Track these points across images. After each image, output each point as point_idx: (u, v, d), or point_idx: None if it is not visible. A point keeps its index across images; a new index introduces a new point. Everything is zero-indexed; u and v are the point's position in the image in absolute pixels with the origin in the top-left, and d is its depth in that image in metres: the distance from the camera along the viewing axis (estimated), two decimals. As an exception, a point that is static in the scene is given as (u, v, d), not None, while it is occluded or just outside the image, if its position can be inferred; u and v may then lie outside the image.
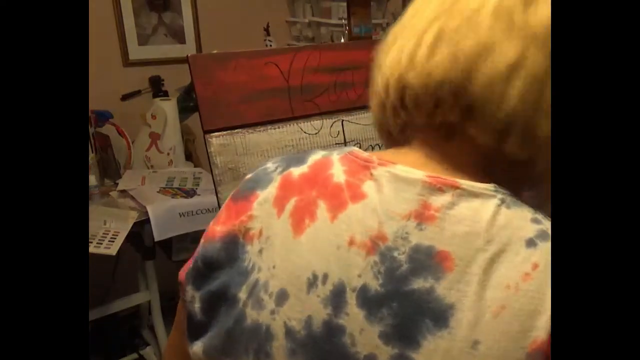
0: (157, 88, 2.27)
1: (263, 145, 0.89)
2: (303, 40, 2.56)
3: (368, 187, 0.44)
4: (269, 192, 0.48)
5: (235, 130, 0.88)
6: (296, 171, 0.48)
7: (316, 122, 0.96)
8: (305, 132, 0.92)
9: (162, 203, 1.71)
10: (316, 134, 0.96)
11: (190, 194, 1.82)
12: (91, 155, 1.82)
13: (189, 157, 2.20)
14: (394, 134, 0.51)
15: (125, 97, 2.27)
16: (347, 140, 1.02)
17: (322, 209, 0.45)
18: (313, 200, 0.46)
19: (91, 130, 1.90)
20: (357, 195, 0.44)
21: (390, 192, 0.43)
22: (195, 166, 2.15)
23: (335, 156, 0.48)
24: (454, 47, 0.42)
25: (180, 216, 1.71)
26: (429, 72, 0.43)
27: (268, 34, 2.54)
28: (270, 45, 2.49)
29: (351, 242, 0.43)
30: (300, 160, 0.50)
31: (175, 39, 2.37)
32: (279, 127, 0.91)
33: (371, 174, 0.45)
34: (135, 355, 2.10)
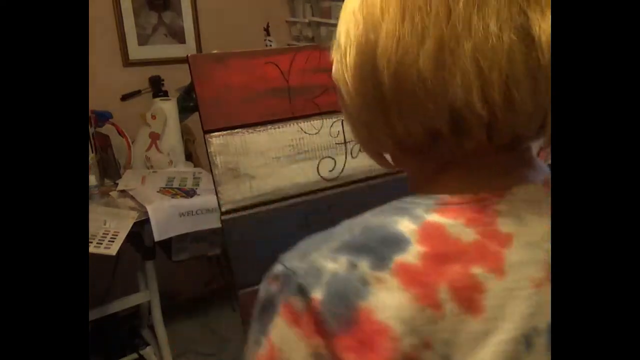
0: (157, 88, 2.27)
1: (263, 145, 0.89)
2: (303, 40, 2.56)
3: (504, 225, 0.41)
4: (393, 300, 0.38)
5: (235, 130, 0.88)
6: (409, 257, 0.39)
7: (316, 122, 0.96)
8: (305, 132, 0.93)
9: (162, 203, 1.71)
10: (316, 133, 0.96)
11: (190, 194, 1.82)
12: (91, 155, 1.82)
13: (189, 157, 2.20)
14: (414, 152, 0.45)
15: (125, 97, 2.27)
16: (347, 140, 1.02)
17: (483, 275, 0.39)
18: (465, 274, 0.39)
19: (91, 130, 1.90)
20: (504, 239, 0.40)
21: (532, 218, 0.41)
22: (195, 166, 2.15)
23: (434, 215, 0.41)
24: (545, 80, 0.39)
25: (180, 216, 1.71)
26: (532, 110, 0.39)
27: (268, 34, 2.54)
28: (270, 45, 2.49)
29: (536, 284, 0.40)
30: (392, 242, 0.40)
31: (175, 39, 2.37)
32: (279, 127, 0.91)
33: (496, 211, 0.41)
34: (135, 355, 2.10)
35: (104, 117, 2.01)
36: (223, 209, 0.88)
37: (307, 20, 2.50)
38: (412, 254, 0.39)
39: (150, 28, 2.30)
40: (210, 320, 2.50)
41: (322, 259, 0.39)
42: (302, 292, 0.38)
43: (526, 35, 0.37)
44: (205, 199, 1.78)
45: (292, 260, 0.41)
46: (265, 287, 0.42)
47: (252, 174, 0.89)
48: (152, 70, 2.29)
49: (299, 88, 0.93)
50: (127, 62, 2.27)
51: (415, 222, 0.40)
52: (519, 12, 0.37)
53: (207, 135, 0.86)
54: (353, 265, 0.38)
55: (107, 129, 1.97)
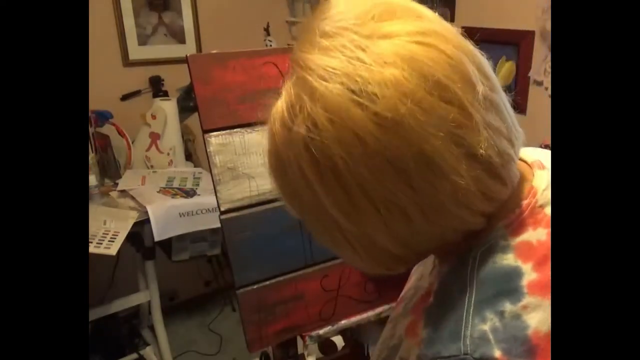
0: (157, 88, 2.27)
1: (262, 145, 0.89)
2: (303, 40, 2.55)
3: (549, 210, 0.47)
4: (544, 312, 0.43)
5: (235, 130, 0.88)
6: (529, 276, 0.44)
7: (316, 122, 0.96)
8: (305, 132, 0.92)
9: (162, 203, 1.71)
10: (316, 133, 0.95)
11: (190, 194, 1.81)
12: (91, 155, 1.82)
13: (189, 157, 2.20)
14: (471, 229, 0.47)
15: (125, 97, 2.27)
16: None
17: None
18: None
19: (91, 130, 1.89)
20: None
21: None
22: (195, 166, 2.15)
23: (513, 239, 0.46)
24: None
25: (180, 216, 1.71)
26: (507, 193, 0.46)
27: (268, 34, 2.53)
28: (270, 45, 2.49)
29: None
30: (509, 276, 0.45)
31: (175, 39, 2.37)
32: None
33: (541, 207, 0.47)
34: (135, 355, 2.10)
35: (104, 117, 2.01)
36: (222, 209, 0.88)
37: (307, 20, 2.50)
38: (528, 273, 0.44)
39: (150, 28, 2.30)
40: (210, 320, 2.50)
41: (476, 327, 0.43)
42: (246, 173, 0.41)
43: (474, 156, 0.40)
44: (205, 199, 1.77)
45: (447, 348, 0.43)
46: None
47: (251, 173, 0.89)
48: (152, 70, 2.29)
49: (299, 88, 0.93)
50: (127, 62, 2.27)
51: (507, 252, 0.46)
52: (459, 145, 0.40)
53: (206, 135, 0.87)
54: (500, 313, 0.43)
55: (107, 129, 1.97)
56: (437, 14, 0.44)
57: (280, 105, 0.43)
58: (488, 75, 0.43)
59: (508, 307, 0.43)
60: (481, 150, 0.40)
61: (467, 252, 0.47)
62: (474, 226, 0.45)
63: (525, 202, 0.47)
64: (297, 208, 0.47)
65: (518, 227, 0.47)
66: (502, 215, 0.47)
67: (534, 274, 0.44)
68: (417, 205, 0.41)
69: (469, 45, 0.43)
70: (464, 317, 0.44)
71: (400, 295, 0.60)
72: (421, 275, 0.58)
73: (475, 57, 0.43)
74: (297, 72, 0.41)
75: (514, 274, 0.44)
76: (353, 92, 0.38)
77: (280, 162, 0.44)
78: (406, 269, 0.51)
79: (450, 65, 0.39)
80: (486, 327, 0.42)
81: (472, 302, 0.44)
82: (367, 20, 0.40)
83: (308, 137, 0.40)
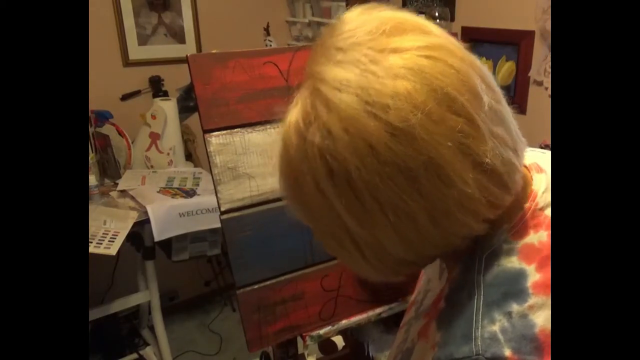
0: (157, 88, 2.27)
1: (262, 145, 0.89)
2: (303, 40, 2.56)
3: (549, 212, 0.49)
4: (549, 309, 0.45)
5: (235, 130, 0.88)
6: (533, 277, 0.46)
7: (316, 122, 0.95)
8: (305, 132, 0.93)
9: (162, 203, 1.71)
10: (316, 133, 0.95)
11: (190, 194, 1.82)
12: (91, 155, 1.82)
13: (189, 157, 2.20)
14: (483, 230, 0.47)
15: (125, 97, 2.27)
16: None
17: None
18: None
19: (91, 130, 1.89)
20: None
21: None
22: (195, 166, 2.15)
23: (516, 242, 0.47)
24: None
25: (180, 216, 1.71)
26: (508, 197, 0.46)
27: (268, 34, 2.54)
28: (270, 45, 2.49)
29: None
30: (515, 278, 0.46)
31: (175, 39, 2.37)
32: (278, 127, 0.91)
33: (541, 209, 0.49)
34: (135, 355, 2.10)
35: (104, 117, 2.01)
36: (222, 209, 0.88)
37: (307, 20, 2.50)
38: (532, 274, 0.46)
39: (150, 28, 2.30)
40: (210, 320, 2.50)
41: (486, 328, 0.44)
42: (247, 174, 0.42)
43: (480, 164, 0.41)
44: (205, 199, 1.78)
45: (459, 350, 0.45)
46: None
47: (251, 173, 0.89)
48: (152, 70, 2.29)
49: (299, 88, 0.93)
50: (127, 62, 2.27)
51: (511, 254, 0.47)
52: (466, 154, 0.41)
53: (206, 135, 0.87)
54: (508, 314, 0.45)
55: (107, 129, 1.97)
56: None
57: (294, 113, 0.44)
58: (493, 87, 0.44)
59: (515, 307, 0.45)
60: (487, 159, 0.42)
61: (473, 257, 0.49)
62: (477, 232, 0.46)
63: (526, 206, 0.49)
64: (306, 214, 0.48)
65: (520, 230, 0.48)
66: (505, 219, 0.48)
67: (537, 275, 0.45)
68: (425, 210, 0.42)
69: (474, 58, 0.44)
70: (474, 319, 0.45)
71: (411, 300, 0.62)
72: (429, 278, 0.60)
73: (480, 70, 0.44)
74: (313, 84, 0.43)
75: (519, 276, 0.46)
76: (367, 103, 0.39)
77: (292, 169, 0.45)
78: (412, 273, 0.52)
79: (458, 79, 0.41)
80: (495, 327, 0.44)
81: (481, 304, 0.46)
82: (378, 36, 0.42)
83: (323, 145, 0.41)
